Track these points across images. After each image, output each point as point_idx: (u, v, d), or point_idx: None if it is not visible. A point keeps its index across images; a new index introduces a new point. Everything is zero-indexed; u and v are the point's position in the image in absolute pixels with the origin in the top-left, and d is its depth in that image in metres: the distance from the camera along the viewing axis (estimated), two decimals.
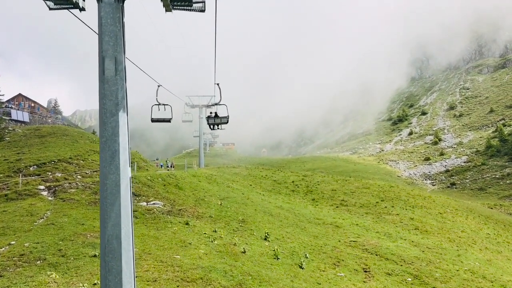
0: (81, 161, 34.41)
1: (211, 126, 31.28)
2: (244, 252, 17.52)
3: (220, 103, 25.87)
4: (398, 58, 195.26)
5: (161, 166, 65.90)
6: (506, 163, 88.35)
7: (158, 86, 18.61)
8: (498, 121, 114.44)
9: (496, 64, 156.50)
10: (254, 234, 21.32)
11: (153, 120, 20.76)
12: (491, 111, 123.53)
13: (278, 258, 18.11)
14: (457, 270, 22.70)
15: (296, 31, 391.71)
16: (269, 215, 27.50)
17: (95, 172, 33.24)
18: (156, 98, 19.29)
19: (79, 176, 31.29)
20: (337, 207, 39.73)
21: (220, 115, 29.49)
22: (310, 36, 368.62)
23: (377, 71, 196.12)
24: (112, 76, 7.77)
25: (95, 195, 23.18)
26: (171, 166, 54.35)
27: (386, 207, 39.73)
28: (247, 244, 19.19)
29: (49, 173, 30.92)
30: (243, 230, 21.67)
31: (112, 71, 7.76)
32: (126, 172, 8.00)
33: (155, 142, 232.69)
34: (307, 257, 19.75)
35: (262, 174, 52.12)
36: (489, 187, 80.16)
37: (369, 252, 23.73)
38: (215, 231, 19.99)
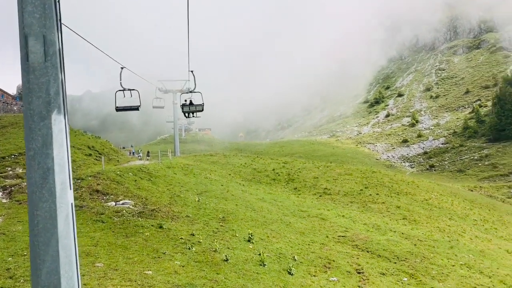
0: None
1: (186, 114, 29.28)
2: (227, 260, 15.44)
3: (195, 90, 24.11)
4: (374, 40, 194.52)
5: (133, 153, 63.12)
6: (484, 144, 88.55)
7: (122, 68, 16.23)
8: (474, 102, 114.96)
9: (470, 44, 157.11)
10: (237, 235, 19.25)
11: (118, 109, 18.28)
12: (467, 92, 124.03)
13: (264, 265, 16.10)
14: (453, 266, 21.26)
15: (274, 16, 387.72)
16: (252, 210, 25.47)
17: None
18: (120, 83, 16.87)
19: None
20: (320, 196, 38.04)
21: (195, 102, 27.58)
22: (288, 20, 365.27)
23: (353, 54, 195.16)
24: (40, 63, 5.39)
25: None
26: (147, 155, 51.58)
27: (370, 194, 38.25)
28: (229, 248, 17.12)
29: (9, 169, 28.09)
30: (224, 231, 19.56)
31: (39, 56, 5.37)
32: (65, 198, 5.69)
33: (129, 128, 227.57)
34: (295, 260, 17.85)
35: (241, 162, 50.04)
36: (468, 169, 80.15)
37: (359, 248, 22.00)
38: (193, 235, 17.82)
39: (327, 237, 23.38)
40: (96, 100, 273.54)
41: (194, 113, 30.05)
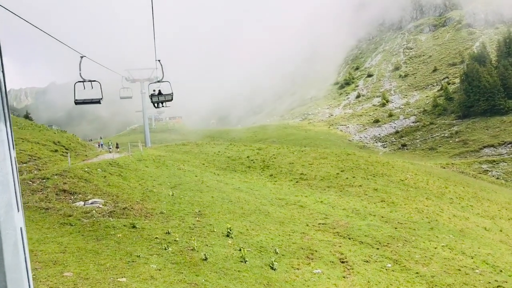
0: None
1: (156, 104, 28.12)
2: (206, 259, 14.59)
3: (163, 80, 23.15)
4: (341, 20, 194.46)
5: (101, 145, 61.16)
6: (454, 121, 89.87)
7: (81, 57, 14.94)
8: (442, 80, 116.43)
9: (436, 22, 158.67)
10: (214, 230, 18.41)
11: (77, 102, 16.99)
12: (435, 70, 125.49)
13: (245, 261, 15.34)
14: (435, 248, 21.07)
15: (248, 2, 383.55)
16: (229, 202, 24.62)
17: (24, 164, 28.90)
18: (80, 73, 15.61)
19: None
20: (297, 182, 37.50)
21: (164, 92, 26.53)
22: (254, 4, 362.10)
23: (322, 35, 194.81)
24: None
25: None
26: (116, 147, 49.82)
27: (347, 178, 37.94)
28: (207, 246, 16.28)
29: None
30: (201, 226, 18.68)
31: None
32: (11, 222, 4.64)
33: (97, 119, 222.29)
34: (277, 253, 17.18)
35: (215, 151, 49.02)
36: (439, 146, 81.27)
37: (341, 236, 21.54)
38: (168, 233, 16.87)
39: (307, 225, 22.81)
40: (62, 91, 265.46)
41: (164, 103, 29.18)
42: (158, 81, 25.42)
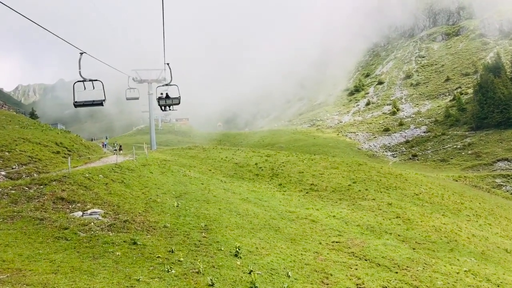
0: (6, 153, 28.53)
1: (163, 108, 27.30)
2: (212, 284, 13.14)
3: (171, 83, 22.51)
4: (353, 27, 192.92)
5: (105, 145, 60.35)
6: (466, 133, 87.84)
7: (81, 54, 13.55)
8: (455, 90, 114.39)
9: (450, 31, 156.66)
10: (222, 248, 16.94)
11: (76, 104, 15.65)
12: (448, 79, 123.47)
13: (256, 287, 13.83)
14: (457, 273, 19.53)
15: (255, 5, 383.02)
16: (237, 215, 23.16)
17: (23, 166, 27.64)
18: (79, 72, 14.25)
19: (2, 173, 25.69)
20: (307, 192, 35.99)
21: (171, 95, 25.66)
22: (268, 10, 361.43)
23: (333, 41, 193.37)
24: None
25: (14, 206, 17.91)
26: (119, 149, 48.66)
27: (360, 190, 36.39)
28: (214, 267, 14.81)
29: None
30: (208, 243, 17.21)
31: None
32: None
33: (104, 118, 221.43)
34: (289, 276, 15.69)
35: (222, 156, 47.59)
36: (451, 158, 79.31)
37: (357, 257, 19.99)
38: (172, 251, 15.42)
39: (320, 243, 21.30)
40: (69, 89, 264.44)
41: (171, 106, 28.13)
42: (166, 85, 24.57)
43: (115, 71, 27.00)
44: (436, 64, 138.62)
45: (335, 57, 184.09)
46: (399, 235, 25.41)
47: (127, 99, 37.85)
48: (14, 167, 27.40)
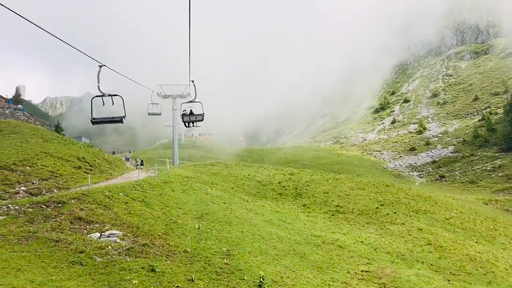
0: (28, 167, 28.19)
1: (186, 124, 27.25)
2: None
3: (195, 100, 22.82)
4: (379, 44, 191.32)
5: (127, 158, 60.29)
6: (496, 154, 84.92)
7: (100, 66, 12.82)
8: (483, 109, 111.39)
9: (478, 50, 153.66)
10: (245, 277, 15.84)
11: (94, 121, 14.98)
12: (476, 98, 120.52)
13: None
14: None
15: (280, 21, 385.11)
16: (260, 239, 22.06)
17: (44, 182, 27.20)
18: (98, 86, 13.55)
19: (23, 188, 25.26)
20: (332, 214, 34.68)
21: (195, 112, 25.88)
22: (293, 26, 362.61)
23: (358, 58, 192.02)
24: None
25: (30, 226, 17.24)
26: (140, 164, 48.23)
27: (388, 214, 34.89)
28: None
29: None
30: (230, 272, 16.15)
31: None
32: None
33: (128, 131, 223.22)
34: None
35: (244, 174, 46.66)
36: (481, 180, 76.51)
37: None
38: (192, 280, 14.41)
39: (348, 272, 20.00)
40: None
41: (194, 123, 27.98)
42: (190, 101, 24.47)
43: (135, 87, 26.69)
44: (464, 83, 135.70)
45: (360, 74, 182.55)
46: (432, 265, 23.95)
47: (149, 114, 37.55)
48: (34, 182, 26.97)
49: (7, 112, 66.96)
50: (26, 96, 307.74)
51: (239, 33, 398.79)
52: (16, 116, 66.55)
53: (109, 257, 15.29)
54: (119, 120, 13.87)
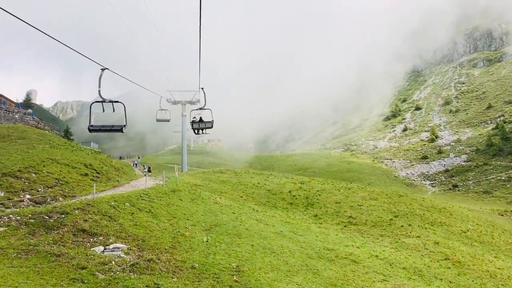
0: (33, 174, 27.52)
1: (196, 131, 27.33)
2: None
3: (204, 107, 22.79)
4: (390, 51, 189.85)
5: (136, 164, 59.92)
6: (511, 164, 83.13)
7: (102, 70, 12.05)
8: (497, 118, 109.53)
9: (491, 57, 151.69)
10: None
11: (92, 129, 14.14)
12: (489, 106, 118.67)
13: None
14: None
15: (291, 27, 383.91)
16: (271, 253, 21.11)
17: (49, 189, 26.51)
18: (99, 91, 12.77)
19: (27, 196, 24.58)
20: (345, 226, 33.63)
21: (204, 119, 25.90)
22: (304, 32, 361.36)
23: (370, 65, 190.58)
24: None
25: (31, 238, 16.45)
26: (148, 171, 47.63)
27: (402, 226, 33.76)
28: None
29: None
30: None
31: None
32: None
33: (137, 136, 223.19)
34: None
35: (254, 182, 45.74)
36: (495, 190, 74.84)
37: None
38: None
39: None
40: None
41: (204, 130, 27.95)
42: (200, 109, 24.13)
43: (148, 87, 26.07)
44: (477, 91, 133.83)
45: (371, 81, 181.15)
46: (450, 282, 22.79)
47: (158, 120, 36.96)
48: (39, 189, 26.28)
49: (17, 116, 66.82)
50: (37, 101, 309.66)
51: (251, 39, 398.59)
52: (26, 121, 66.36)
53: (112, 273, 14.41)
54: (119, 129, 13.06)
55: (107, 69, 11.98)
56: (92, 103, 11.92)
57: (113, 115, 12.20)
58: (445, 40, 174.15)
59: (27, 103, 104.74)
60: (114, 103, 12.11)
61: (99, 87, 11.86)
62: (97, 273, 14.29)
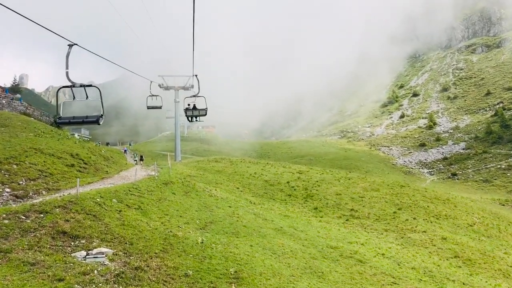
0: (14, 166, 25.50)
1: (189, 118, 26.28)
2: None
3: (198, 94, 22.29)
4: (387, 37, 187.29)
5: (125, 151, 58.24)
6: (511, 152, 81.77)
7: (70, 46, 10.08)
8: (496, 105, 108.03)
9: (490, 43, 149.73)
10: None
11: (59, 122, 12.29)
12: (488, 93, 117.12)
13: None
14: None
15: (293, 13, 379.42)
16: (271, 254, 19.41)
17: (31, 182, 24.56)
18: (66, 72, 10.81)
19: (7, 190, 22.63)
20: (347, 220, 32.03)
21: (198, 107, 24.79)
22: (301, 19, 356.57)
23: (366, 51, 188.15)
24: None
25: (4, 243, 14.52)
26: (140, 160, 45.70)
27: (407, 219, 32.22)
28: None
29: None
30: None
31: None
32: None
33: (129, 121, 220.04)
34: None
35: (250, 172, 44.00)
36: (495, 179, 73.58)
37: None
38: None
39: None
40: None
41: (198, 117, 27.24)
42: (194, 96, 22.88)
43: (142, 72, 24.30)
44: (475, 77, 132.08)
45: (368, 66, 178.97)
46: (464, 284, 21.20)
47: (148, 107, 35.01)
48: (20, 182, 24.31)
49: (4, 101, 64.22)
50: (29, 85, 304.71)
51: (246, 27, 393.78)
52: (13, 106, 63.88)
53: (93, 286, 12.60)
54: (95, 121, 11.17)
55: (76, 44, 9.98)
56: (59, 89, 9.95)
57: (87, 103, 10.21)
58: (443, 25, 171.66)
59: (15, 88, 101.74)
60: (86, 88, 10.14)
61: (67, 68, 9.82)
62: (76, 286, 12.45)
